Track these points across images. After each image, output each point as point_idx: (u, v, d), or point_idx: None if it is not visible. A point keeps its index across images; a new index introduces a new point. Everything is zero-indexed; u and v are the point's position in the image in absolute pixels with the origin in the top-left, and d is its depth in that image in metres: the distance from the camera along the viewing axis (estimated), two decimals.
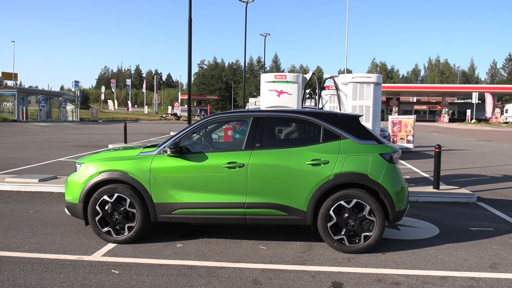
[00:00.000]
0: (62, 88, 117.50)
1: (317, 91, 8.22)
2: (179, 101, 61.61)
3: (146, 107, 75.40)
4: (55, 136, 22.35)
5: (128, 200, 4.90)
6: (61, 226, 5.74)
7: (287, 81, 7.84)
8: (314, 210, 4.71)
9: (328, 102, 8.96)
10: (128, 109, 78.08)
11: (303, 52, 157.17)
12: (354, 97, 7.82)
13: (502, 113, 60.21)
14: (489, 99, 58.71)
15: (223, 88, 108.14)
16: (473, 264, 4.48)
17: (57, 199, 7.44)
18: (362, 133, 4.88)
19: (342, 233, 4.70)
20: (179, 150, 4.79)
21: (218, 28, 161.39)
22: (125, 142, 16.89)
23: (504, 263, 4.52)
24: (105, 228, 4.98)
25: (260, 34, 40.00)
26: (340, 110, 7.92)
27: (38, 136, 22.29)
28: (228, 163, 4.77)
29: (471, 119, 60.77)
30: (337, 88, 8.16)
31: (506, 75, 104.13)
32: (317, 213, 4.74)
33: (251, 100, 56.72)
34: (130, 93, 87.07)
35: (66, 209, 5.27)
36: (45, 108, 39.35)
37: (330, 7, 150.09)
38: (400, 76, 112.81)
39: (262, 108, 8.01)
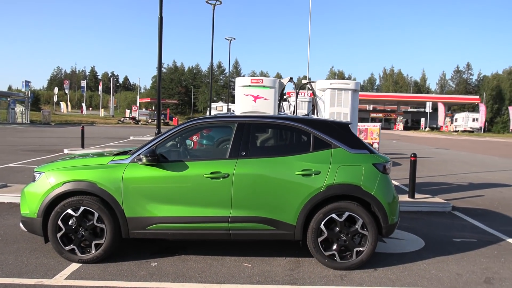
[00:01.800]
0: (10, 88, 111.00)
1: (295, 97, 7.95)
2: (138, 104, 59.81)
3: (102, 110, 72.60)
4: (3, 139, 20.77)
5: (96, 214, 4.34)
6: (14, 243, 5.05)
7: (264, 86, 7.52)
8: (304, 224, 4.37)
9: (295, 109, 8.71)
10: (82, 111, 74.90)
11: (263, 59, 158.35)
12: (332, 104, 7.62)
13: (452, 122, 63.27)
14: (441, 109, 61.47)
15: (182, 93, 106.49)
16: (468, 279, 4.30)
17: (7, 210, 6.65)
18: (353, 142, 4.61)
19: (333, 249, 4.39)
20: (156, 159, 4.30)
21: (178, 32, 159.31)
22: (82, 146, 15.90)
23: (497, 277, 4.38)
24: (69, 246, 4.38)
25: (225, 38, 39.64)
26: (318, 117, 7.71)
27: None
28: (211, 173, 4.34)
29: (425, 127, 63.32)
30: (314, 94, 7.93)
31: (454, 86, 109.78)
32: (306, 227, 4.40)
33: (213, 105, 56.04)
34: (85, 95, 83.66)
35: (21, 224, 4.61)
36: None
37: (290, 15, 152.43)
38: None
39: (237, 113, 7.63)
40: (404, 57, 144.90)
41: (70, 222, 4.39)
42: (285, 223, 4.36)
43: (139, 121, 49.08)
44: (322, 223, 4.35)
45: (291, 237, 4.41)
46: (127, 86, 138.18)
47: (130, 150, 5.24)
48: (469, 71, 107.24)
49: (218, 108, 50.56)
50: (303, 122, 4.65)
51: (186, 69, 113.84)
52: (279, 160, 4.43)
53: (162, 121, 47.33)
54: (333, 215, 4.36)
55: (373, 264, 4.56)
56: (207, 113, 60.97)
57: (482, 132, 58.04)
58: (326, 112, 7.60)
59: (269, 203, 4.35)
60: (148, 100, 67.37)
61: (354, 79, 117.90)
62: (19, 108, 39.78)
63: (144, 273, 4.20)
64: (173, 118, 54.08)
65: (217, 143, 5.68)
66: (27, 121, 39.87)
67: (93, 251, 4.38)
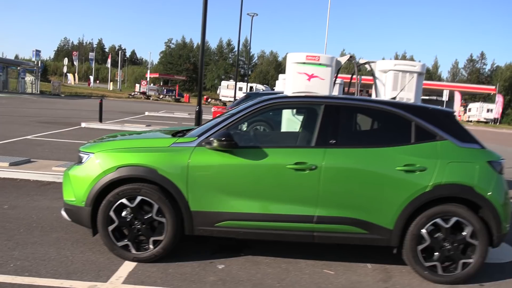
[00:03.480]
0: (16, 57, 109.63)
1: (356, 77, 7.14)
2: (147, 79, 58.70)
3: (111, 83, 71.65)
4: (16, 109, 20.08)
5: (156, 206, 3.64)
6: (52, 230, 4.39)
7: (320, 64, 6.66)
8: (402, 229, 3.67)
9: (357, 92, 7.91)
10: (89, 84, 73.81)
11: (274, 39, 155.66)
12: (394, 88, 6.78)
13: (465, 112, 62.00)
14: (457, 98, 60.12)
15: (191, 69, 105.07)
16: None
17: (35, 190, 5.99)
18: (461, 134, 3.86)
19: (435, 259, 3.69)
20: (234, 144, 3.57)
21: (188, 8, 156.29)
22: (100, 120, 15.21)
23: None
24: (122, 242, 3.71)
25: (247, 14, 38.15)
26: None
27: None
28: (296, 163, 3.62)
29: None
30: (373, 76, 7.11)
31: (466, 75, 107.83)
32: (404, 233, 3.70)
33: (223, 83, 54.90)
34: (93, 67, 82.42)
35: (64, 213, 3.93)
36: (1, 78, 35.90)
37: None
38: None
39: (288, 93, 6.86)
40: (417, 42, 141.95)
41: (124, 214, 3.70)
42: (380, 227, 3.66)
43: (150, 96, 48.21)
44: (424, 228, 3.65)
45: (385, 242, 3.72)
46: (134, 61, 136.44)
47: (184, 131, 4.53)
48: (483, 61, 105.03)
49: (230, 86, 49.40)
50: (403, 107, 3.89)
51: (194, 45, 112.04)
52: (377, 152, 3.69)
53: (173, 97, 46.49)
54: (438, 220, 3.64)
55: (476, 277, 3.87)
56: (218, 91, 59.71)
57: (497, 123, 56.89)
58: (386, 97, 6.81)
59: (363, 203, 3.63)
60: (156, 75, 66.28)
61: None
62: (29, 78, 38.94)
63: (214, 278, 3.52)
64: (184, 94, 53.06)
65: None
66: (37, 91, 39.10)
67: (150, 248, 3.70)
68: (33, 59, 44.08)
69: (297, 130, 6.59)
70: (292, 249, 4.26)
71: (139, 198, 3.64)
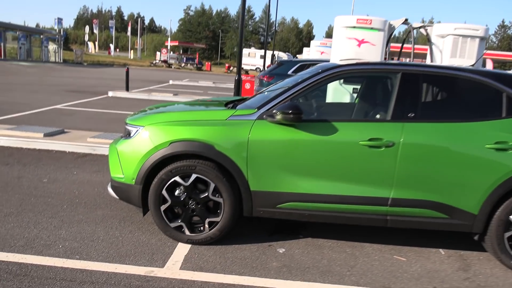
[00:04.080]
0: (37, 26, 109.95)
1: (413, 43, 6.56)
2: (168, 47, 58.05)
3: (131, 52, 71.33)
4: (42, 78, 20.01)
5: (212, 185, 3.31)
6: (96, 207, 4.15)
7: (372, 28, 6.14)
8: (489, 214, 3.26)
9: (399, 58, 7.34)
10: (110, 53, 73.63)
11: (294, 6, 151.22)
12: (453, 54, 6.22)
13: None
14: (489, 65, 57.79)
15: (210, 37, 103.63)
16: None
17: (73, 162, 5.77)
18: None
19: None
20: (301, 117, 3.16)
21: None
22: (127, 89, 14.96)
23: None
24: (175, 223, 3.42)
25: None
26: None
27: (23, 77, 19.90)
28: (370, 139, 3.21)
29: None
30: (429, 41, 6.52)
31: (496, 41, 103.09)
32: (489, 218, 3.29)
33: (244, 51, 53.78)
34: (113, 35, 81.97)
35: (110, 189, 3.65)
36: (25, 46, 35.88)
37: None
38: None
39: (334, 61, 6.34)
40: (445, 7, 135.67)
41: (177, 193, 3.39)
42: (464, 211, 3.26)
43: (171, 64, 47.75)
44: None
45: (466, 229, 3.32)
46: (152, 29, 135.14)
47: (234, 102, 4.15)
48: None
49: (251, 54, 48.35)
50: (493, 76, 3.39)
51: (214, 12, 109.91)
52: (462, 127, 3.24)
53: (195, 66, 45.94)
54: None
55: None
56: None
57: None
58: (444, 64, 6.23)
59: (445, 184, 3.22)
60: (176, 43, 65.41)
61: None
62: (51, 47, 38.87)
63: (277, 264, 3.22)
64: (206, 63, 52.35)
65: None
66: (60, 60, 39.11)
67: (206, 230, 3.41)
68: (55, 27, 43.90)
69: (347, 100, 6.12)
70: (354, 231, 3.92)
71: (194, 176, 3.32)
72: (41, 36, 37.67)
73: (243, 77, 14.32)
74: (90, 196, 4.45)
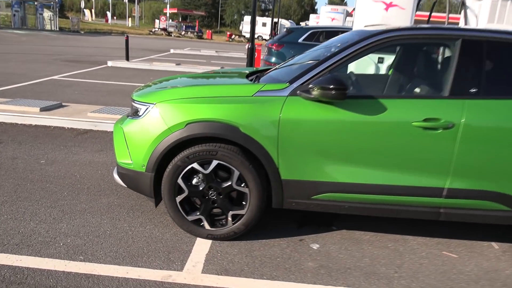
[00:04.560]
0: None
1: (447, 8, 5.93)
2: (167, 15, 56.27)
3: (129, 19, 69.37)
4: (38, 47, 19.20)
5: (236, 173, 2.83)
6: (100, 194, 3.69)
7: None
8: None
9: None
10: (107, 21, 71.59)
11: None
12: (490, 19, 5.62)
13: None
14: None
15: (209, 4, 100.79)
16: None
17: (72, 140, 5.27)
18: None
19: None
20: (345, 93, 2.63)
21: None
22: (127, 59, 14.28)
23: None
24: (193, 216, 2.96)
25: None
26: None
27: (17, 46, 19.09)
28: (425, 120, 2.69)
29: None
30: (463, 5, 5.90)
31: None
32: None
33: (246, 18, 52.35)
34: (110, 2, 79.56)
35: (116, 176, 3.17)
36: (19, 14, 34.58)
37: None
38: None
39: (358, 27, 5.73)
40: None
41: (195, 182, 2.92)
42: None
43: (171, 32, 46.40)
44: None
45: None
46: None
47: (257, 73, 3.61)
48: None
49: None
50: None
51: None
52: None
53: (195, 34, 44.65)
54: None
55: None
56: (240, 27, 57.09)
57: None
58: None
59: (511, 173, 2.74)
60: (175, 10, 63.50)
61: None
62: (47, 14, 37.47)
63: (313, 264, 2.78)
64: (206, 31, 50.83)
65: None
66: (56, 28, 37.81)
67: (229, 224, 2.95)
68: None
69: (371, 72, 5.55)
70: (392, 221, 3.47)
71: (215, 162, 2.82)
72: (36, 3, 36.27)
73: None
74: (93, 180, 3.98)
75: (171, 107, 2.84)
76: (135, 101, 3.06)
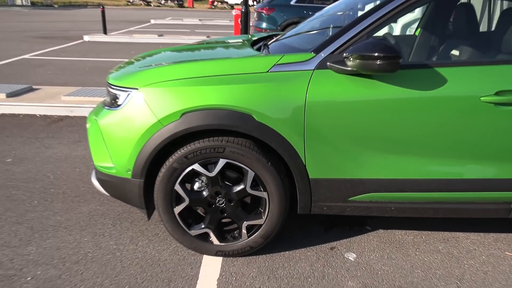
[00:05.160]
0: None
1: None
2: None
3: None
4: (7, 24, 17.86)
5: (251, 173, 2.17)
6: (79, 199, 3.02)
7: None
8: None
9: None
10: None
11: None
12: None
13: None
14: None
15: None
16: None
17: (45, 131, 4.54)
18: None
19: None
20: (396, 63, 1.94)
21: None
22: (105, 32, 13.25)
23: None
24: (197, 229, 2.32)
25: None
26: None
27: None
28: (498, 93, 2.04)
29: None
30: None
31: None
32: None
33: None
34: None
35: (96, 182, 2.48)
36: None
37: None
38: None
39: None
40: None
41: (197, 187, 2.26)
42: None
43: (150, 2, 44.36)
44: None
45: None
46: None
47: (262, 40, 2.92)
48: None
49: None
50: None
51: None
52: None
53: (175, 3, 42.78)
54: None
55: None
56: None
57: None
58: None
59: None
60: None
61: None
62: None
63: (355, 284, 2.18)
64: None
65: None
66: (28, 3, 35.72)
67: (243, 238, 2.32)
68: None
69: (385, 31, 4.83)
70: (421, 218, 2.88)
71: (222, 162, 2.16)
72: None
73: (236, 11, 12.61)
74: (70, 182, 3.30)
75: (160, 92, 2.14)
76: (112, 86, 2.34)
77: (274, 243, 2.49)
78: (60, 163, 3.66)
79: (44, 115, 5.07)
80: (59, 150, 3.97)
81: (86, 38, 12.71)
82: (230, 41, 3.13)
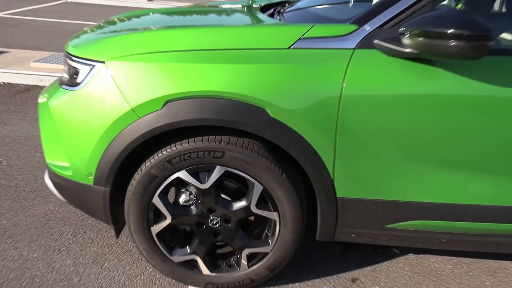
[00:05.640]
0: None
1: None
2: None
3: None
4: None
5: (258, 187, 1.58)
6: (35, 197, 2.40)
7: None
8: None
9: None
10: None
11: None
12: None
13: None
14: None
15: None
16: None
17: (7, 103, 3.86)
18: None
19: None
20: (485, 46, 1.34)
21: None
22: None
23: None
24: (181, 254, 1.74)
25: None
26: None
27: None
28: None
29: None
30: None
31: None
32: None
33: None
34: None
35: (49, 183, 1.86)
36: None
37: None
38: None
39: None
40: None
41: (183, 200, 1.67)
42: None
43: None
44: None
45: None
46: None
47: (275, 5, 2.28)
48: None
49: None
50: None
51: None
52: None
53: None
54: None
55: None
56: None
57: None
58: None
59: None
60: None
61: None
62: None
63: None
64: None
65: None
66: None
67: (242, 268, 1.75)
68: None
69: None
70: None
71: (219, 170, 1.57)
72: None
73: None
74: (26, 171, 2.67)
75: (136, 68, 1.50)
76: (72, 57, 1.69)
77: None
78: (18, 145, 3.02)
79: (9, 83, 4.37)
80: (19, 128, 3.32)
81: None
82: (235, 5, 2.47)
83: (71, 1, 11.50)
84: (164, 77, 1.48)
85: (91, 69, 1.57)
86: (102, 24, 2.01)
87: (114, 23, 1.99)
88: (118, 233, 1.82)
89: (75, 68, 1.64)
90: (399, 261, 2.12)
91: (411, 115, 1.48)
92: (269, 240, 1.71)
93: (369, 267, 2.06)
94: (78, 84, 1.60)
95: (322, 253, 2.13)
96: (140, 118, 1.50)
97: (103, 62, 1.54)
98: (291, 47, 1.49)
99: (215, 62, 1.48)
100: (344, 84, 1.46)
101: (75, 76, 1.63)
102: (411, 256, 2.17)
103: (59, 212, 2.29)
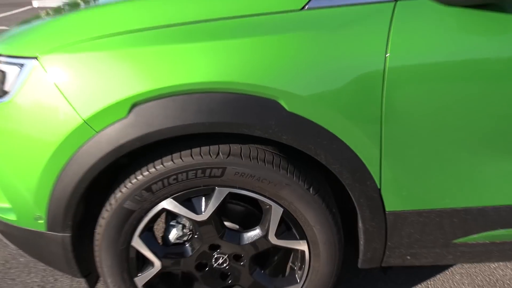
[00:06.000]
0: None
1: None
2: None
3: None
4: None
5: (277, 210, 1.13)
6: None
7: None
8: None
9: None
10: None
11: None
12: None
13: None
14: None
15: None
16: None
17: None
18: None
19: None
20: None
21: None
22: None
23: None
24: None
25: None
26: None
27: None
28: None
29: None
30: None
31: None
32: None
33: None
34: None
35: None
36: None
37: None
38: None
39: None
40: None
41: (173, 236, 1.21)
42: None
43: None
44: None
45: None
46: None
47: None
48: None
49: None
50: None
51: None
52: None
53: None
54: None
55: None
56: None
57: None
58: None
59: None
60: None
61: None
62: None
63: None
64: None
65: None
66: None
67: None
68: None
69: None
70: None
71: (220, 192, 1.11)
72: None
73: None
74: None
75: (82, 61, 1.03)
76: None
77: None
78: None
79: None
80: None
81: (36, 3, 11.05)
82: None
83: (38, 7, 10.85)
84: (125, 70, 1.01)
85: (21, 69, 1.09)
86: (37, 16, 1.51)
87: (53, 12, 1.50)
88: (92, 285, 1.36)
89: (2, 71, 1.16)
90: (454, 273, 1.69)
91: (486, 88, 1.03)
92: (296, 276, 1.27)
93: (419, 285, 1.63)
94: (6, 93, 1.12)
95: (359, 274, 1.69)
96: (98, 133, 1.03)
97: (35, 58, 1.06)
98: (305, 8, 1.03)
99: (199, 40, 1.01)
100: (387, 55, 1.00)
101: (1, 84, 1.15)
102: (466, 264, 1.74)
103: (22, 256, 1.82)
